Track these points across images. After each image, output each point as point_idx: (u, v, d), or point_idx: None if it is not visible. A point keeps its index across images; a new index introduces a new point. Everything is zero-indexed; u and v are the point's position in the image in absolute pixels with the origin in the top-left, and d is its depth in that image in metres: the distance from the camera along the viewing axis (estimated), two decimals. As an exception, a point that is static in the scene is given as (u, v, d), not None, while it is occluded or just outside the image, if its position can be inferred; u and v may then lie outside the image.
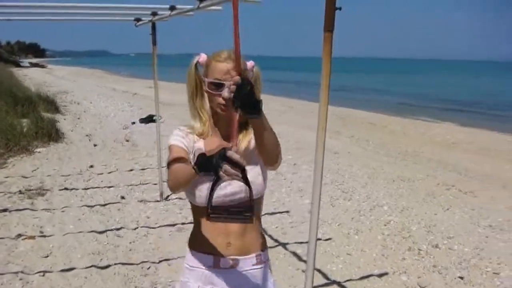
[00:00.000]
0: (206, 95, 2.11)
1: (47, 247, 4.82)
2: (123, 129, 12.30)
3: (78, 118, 13.60)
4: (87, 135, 11.05)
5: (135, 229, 5.41)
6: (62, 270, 4.32)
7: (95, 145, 10.08)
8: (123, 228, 5.42)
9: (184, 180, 1.88)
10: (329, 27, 2.54)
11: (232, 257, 2.06)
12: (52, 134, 10.07)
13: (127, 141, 10.75)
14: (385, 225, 5.74)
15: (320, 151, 2.64)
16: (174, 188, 1.95)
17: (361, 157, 10.05)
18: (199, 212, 2.08)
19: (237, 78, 1.70)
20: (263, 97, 1.89)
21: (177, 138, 2.11)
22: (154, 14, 5.91)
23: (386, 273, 4.43)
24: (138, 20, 6.49)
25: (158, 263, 4.54)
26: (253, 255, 2.09)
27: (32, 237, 5.06)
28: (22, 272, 4.24)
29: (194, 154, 2.06)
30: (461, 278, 4.35)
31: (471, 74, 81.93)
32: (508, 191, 7.74)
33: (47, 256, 4.62)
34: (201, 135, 2.11)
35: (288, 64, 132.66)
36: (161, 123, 13.18)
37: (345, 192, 7.10)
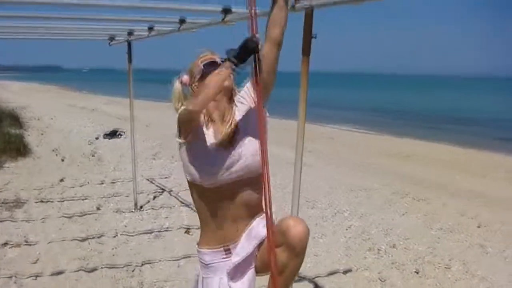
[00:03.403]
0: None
1: (34, 254, 5.12)
2: (88, 144, 12.53)
3: (42, 134, 13.73)
4: (53, 150, 11.24)
5: (114, 236, 5.75)
6: (52, 274, 4.65)
7: (62, 160, 10.30)
8: (103, 236, 5.75)
9: (213, 91, 2.17)
10: (306, 52, 3.01)
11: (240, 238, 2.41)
12: (21, 149, 10.25)
13: (93, 155, 11.00)
14: (346, 229, 6.23)
15: (298, 157, 3.09)
16: (197, 106, 2.19)
17: (321, 169, 10.57)
18: (206, 199, 2.40)
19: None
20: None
21: None
22: (130, 33, 6.11)
23: (350, 270, 4.92)
24: (112, 39, 6.64)
25: (141, 265, 4.91)
26: None
27: (18, 245, 5.35)
28: (15, 276, 4.54)
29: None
30: (417, 272, 4.88)
31: (450, 90, 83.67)
32: (458, 198, 8.37)
33: (36, 262, 4.92)
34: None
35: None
36: (125, 138, 13.53)
37: (308, 201, 7.56)
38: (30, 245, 5.40)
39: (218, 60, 2.40)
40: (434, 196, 8.39)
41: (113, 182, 8.43)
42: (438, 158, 13.28)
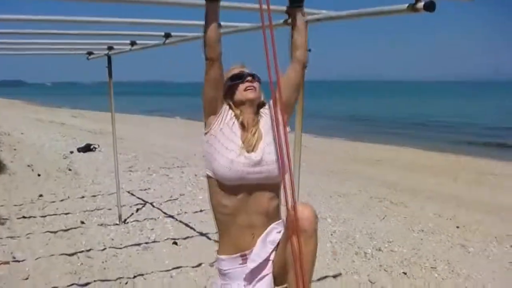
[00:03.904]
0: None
1: (24, 270, 5.10)
2: (63, 158, 12.45)
3: (15, 149, 13.57)
4: (28, 166, 11.14)
5: (103, 250, 5.75)
6: (46, 289, 4.66)
7: (39, 175, 10.22)
8: (92, 250, 5.75)
9: (208, 32, 2.38)
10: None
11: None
12: (-5, 166, 10.17)
13: (70, 170, 10.95)
14: (331, 235, 6.36)
15: (296, 166, 3.20)
16: (207, 51, 2.40)
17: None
18: (226, 204, 2.49)
19: None
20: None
21: None
22: (110, 48, 6.11)
23: (340, 274, 5.04)
24: (90, 53, 6.60)
25: (133, 278, 4.93)
26: None
27: (6, 262, 5.33)
28: (8, 293, 4.55)
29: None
30: (405, 273, 5.04)
31: (441, 95, 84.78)
32: (434, 201, 8.60)
33: (27, 279, 4.90)
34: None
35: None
36: (99, 151, 13.48)
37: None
38: (18, 262, 5.37)
39: (245, 72, 2.52)
40: (410, 200, 8.61)
41: (94, 196, 8.41)
42: (409, 162, 13.60)
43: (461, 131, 24.25)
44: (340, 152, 15.76)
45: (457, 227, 6.82)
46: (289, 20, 2.77)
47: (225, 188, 2.47)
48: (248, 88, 2.54)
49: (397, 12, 2.42)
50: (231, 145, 2.45)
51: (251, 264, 2.49)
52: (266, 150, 2.47)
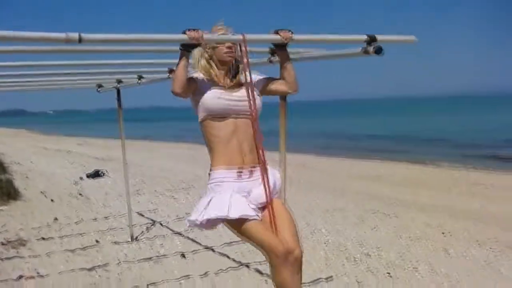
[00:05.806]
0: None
1: (49, 284, 5.69)
2: (74, 184, 13.09)
3: (27, 177, 14.23)
4: (41, 192, 11.76)
5: (118, 264, 6.34)
6: (70, 300, 5.26)
7: (52, 201, 10.83)
8: (108, 264, 6.34)
9: (179, 73, 2.93)
10: (283, 97, 3.75)
11: (249, 168, 3.11)
12: (11, 193, 10.77)
13: (81, 195, 11.56)
14: (325, 243, 6.96)
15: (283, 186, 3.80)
16: (176, 87, 2.94)
17: (295, 194, 11.14)
18: (216, 132, 3.10)
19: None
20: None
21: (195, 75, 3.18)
22: (119, 81, 6.59)
23: (331, 276, 5.63)
24: (100, 86, 7.04)
25: (146, 286, 5.53)
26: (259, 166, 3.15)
27: (32, 277, 5.93)
28: (37, 304, 5.16)
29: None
30: (389, 273, 5.64)
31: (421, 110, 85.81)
32: (425, 212, 9.19)
33: (52, 291, 5.53)
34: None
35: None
36: (108, 177, 14.08)
37: (288, 223, 8.25)
38: (42, 277, 5.96)
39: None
40: (403, 211, 9.18)
41: (106, 218, 9.01)
42: (405, 177, 14.17)
43: (454, 145, 24.96)
44: (339, 170, 16.31)
45: (443, 233, 7.41)
46: (277, 58, 3.39)
47: (217, 120, 3.10)
48: (227, 53, 3.15)
49: (354, 55, 3.06)
50: (215, 90, 3.12)
51: (253, 200, 3.13)
52: (242, 94, 3.15)
